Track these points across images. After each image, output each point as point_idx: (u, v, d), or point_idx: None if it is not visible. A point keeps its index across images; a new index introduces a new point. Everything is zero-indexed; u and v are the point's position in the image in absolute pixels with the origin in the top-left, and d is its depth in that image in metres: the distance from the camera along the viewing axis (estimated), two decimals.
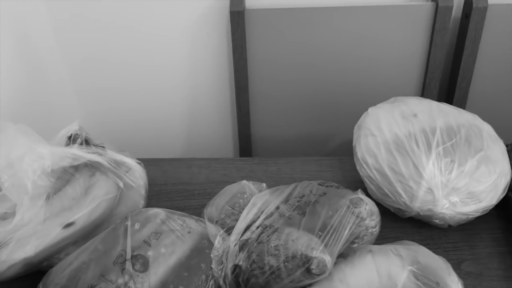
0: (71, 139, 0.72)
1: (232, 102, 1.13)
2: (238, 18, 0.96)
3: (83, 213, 0.69)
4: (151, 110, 1.16)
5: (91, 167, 0.73)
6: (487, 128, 0.74)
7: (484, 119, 0.77)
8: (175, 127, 1.19)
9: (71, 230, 0.68)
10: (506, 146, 0.75)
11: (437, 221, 0.70)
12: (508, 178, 0.71)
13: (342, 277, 0.57)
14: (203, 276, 0.63)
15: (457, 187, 0.67)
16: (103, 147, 0.74)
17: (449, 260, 0.67)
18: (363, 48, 1.01)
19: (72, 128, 0.73)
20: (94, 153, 0.72)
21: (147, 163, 0.86)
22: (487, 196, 0.68)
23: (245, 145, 1.12)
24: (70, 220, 0.68)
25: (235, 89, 1.06)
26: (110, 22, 1.04)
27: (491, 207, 0.71)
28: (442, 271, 0.55)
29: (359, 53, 1.02)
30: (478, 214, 0.70)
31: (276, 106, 1.09)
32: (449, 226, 0.72)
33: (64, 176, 0.71)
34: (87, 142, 0.73)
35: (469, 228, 0.74)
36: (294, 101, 1.08)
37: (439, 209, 0.67)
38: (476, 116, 0.76)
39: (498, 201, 0.71)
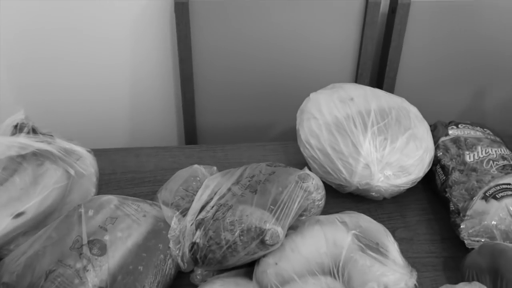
0: (18, 128, 0.71)
1: (176, 92, 1.14)
2: (182, 9, 0.98)
3: (33, 202, 0.68)
4: (95, 101, 1.14)
5: (40, 156, 0.72)
6: (414, 110, 0.83)
7: (410, 103, 0.86)
8: (120, 118, 1.18)
9: (21, 220, 0.67)
10: (430, 126, 0.85)
11: (373, 193, 0.77)
12: (432, 154, 0.80)
13: (294, 246, 0.62)
14: (162, 256, 0.65)
15: (390, 161, 0.75)
16: (51, 135, 0.74)
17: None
18: (302, 39, 1.08)
19: (18, 117, 0.71)
20: (42, 141, 0.71)
21: (95, 153, 0.85)
22: (415, 169, 0.77)
23: (191, 133, 1.15)
24: (20, 210, 0.67)
25: (180, 78, 1.07)
26: (52, 16, 1.01)
27: (419, 179, 0.80)
28: (380, 233, 0.62)
29: (298, 43, 1.08)
30: (408, 186, 0.78)
31: (220, 95, 1.13)
32: (384, 198, 0.80)
33: (11, 166, 0.69)
34: (34, 131, 0.72)
35: (401, 199, 0.82)
36: (238, 90, 1.12)
37: (375, 182, 0.75)
38: (404, 99, 0.85)
39: (424, 174, 0.80)
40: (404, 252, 0.73)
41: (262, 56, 1.08)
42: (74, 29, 1.05)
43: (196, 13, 1.01)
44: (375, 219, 0.77)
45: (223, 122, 1.15)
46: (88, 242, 0.63)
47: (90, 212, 0.68)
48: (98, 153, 0.88)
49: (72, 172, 0.72)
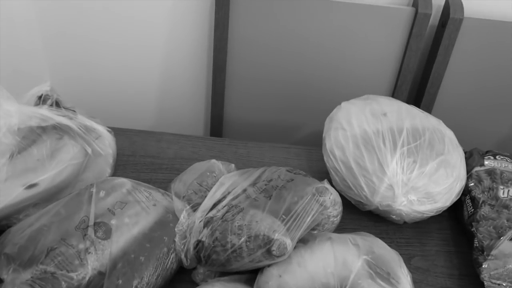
0: (41, 100, 0.71)
1: (208, 81, 1.12)
2: None
3: (47, 176, 0.67)
4: (125, 80, 1.14)
5: (60, 130, 0.71)
6: (449, 134, 0.78)
7: (447, 125, 0.81)
8: (147, 99, 1.17)
9: (33, 191, 0.67)
10: (465, 153, 0.80)
11: (394, 216, 0.74)
12: (463, 183, 0.75)
13: (301, 260, 0.59)
14: (165, 249, 0.64)
15: (416, 186, 0.71)
16: (74, 111, 0.73)
17: (401, 254, 0.70)
18: (343, 43, 1.03)
19: (43, 88, 0.71)
20: (64, 116, 0.71)
21: (116, 132, 0.84)
22: (443, 198, 0.72)
23: (216, 125, 1.13)
24: (33, 182, 0.66)
25: (212, 68, 1.05)
26: None
27: (445, 209, 0.75)
28: (394, 262, 0.58)
29: (339, 47, 1.04)
30: (432, 214, 0.74)
31: (251, 90, 1.10)
32: (404, 222, 0.76)
33: (30, 136, 0.69)
34: (57, 104, 0.72)
35: (422, 226, 0.78)
36: (269, 87, 1.09)
37: (397, 205, 0.71)
38: (441, 121, 0.80)
39: (452, 203, 0.75)
40: (417, 283, 0.69)
41: (299, 55, 1.04)
42: (111, 9, 1.04)
43: (237, 3, 0.98)
44: (392, 242, 0.75)
45: (250, 117, 1.12)
46: (94, 224, 0.62)
47: (102, 193, 0.67)
48: (119, 133, 0.88)
49: (89, 150, 0.71)
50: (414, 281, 0.63)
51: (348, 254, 0.58)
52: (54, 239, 0.59)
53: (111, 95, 1.16)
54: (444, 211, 0.77)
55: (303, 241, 0.62)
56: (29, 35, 1.06)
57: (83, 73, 1.12)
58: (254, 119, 1.13)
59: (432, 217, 0.76)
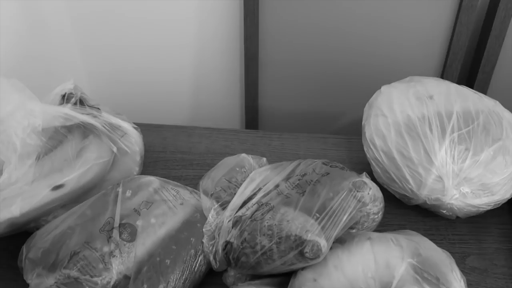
0: (65, 98, 0.69)
1: (241, 71, 1.08)
2: None
3: (73, 176, 0.66)
4: (156, 74, 1.12)
5: (85, 129, 0.70)
6: (508, 117, 0.69)
7: (505, 106, 0.71)
8: (180, 94, 1.15)
9: (59, 192, 0.65)
10: None
11: (444, 211, 0.66)
12: None
13: (338, 263, 0.54)
14: (192, 251, 0.60)
15: (469, 177, 0.63)
16: (98, 108, 0.71)
17: (454, 253, 0.64)
18: (384, 20, 0.95)
19: (66, 87, 0.69)
20: (88, 114, 0.69)
21: (147, 128, 0.83)
22: (501, 189, 0.64)
23: (251, 117, 1.08)
24: (59, 182, 0.65)
25: (244, 57, 1.01)
26: None
27: (504, 201, 0.67)
28: (444, 266, 0.51)
29: (379, 25, 0.96)
30: (489, 208, 0.66)
31: (286, 78, 1.04)
32: (457, 217, 0.68)
33: (56, 137, 0.68)
34: (81, 102, 0.70)
35: (478, 221, 0.70)
36: (305, 74, 1.03)
37: (447, 199, 0.63)
38: (498, 102, 0.71)
39: None
40: (473, 285, 0.62)
41: (335, 38, 0.97)
42: (141, 6, 1.02)
43: None
44: (443, 240, 0.68)
45: (286, 107, 1.07)
46: (120, 225, 0.60)
47: (128, 193, 0.65)
48: (150, 129, 0.87)
49: (114, 148, 0.69)
50: (470, 284, 0.56)
51: (391, 256, 0.52)
52: (78, 242, 0.58)
53: (142, 88, 1.14)
54: (504, 204, 0.69)
55: (340, 241, 0.56)
56: (63, 38, 1.07)
57: (113, 65, 1.11)
58: (290, 108, 1.07)
59: (489, 211, 0.68)
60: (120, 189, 0.64)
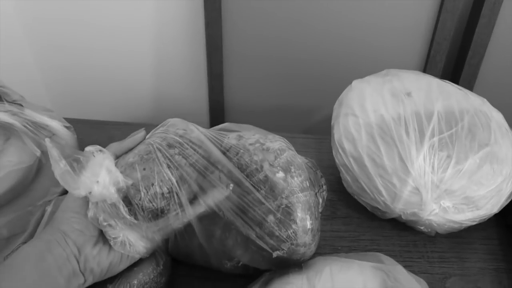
0: None
1: (204, 63, 0.97)
2: None
3: None
4: (110, 62, 1.00)
5: (4, 130, 0.59)
6: (497, 117, 0.59)
7: (494, 105, 0.62)
8: (138, 85, 1.04)
9: None
10: None
11: (422, 227, 0.57)
12: None
13: None
14: None
15: (451, 189, 0.53)
16: (20, 104, 0.60)
17: (433, 274, 0.57)
18: (359, 8, 0.86)
19: None
20: (5, 111, 0.58)
21: (91, 125, 0.74)
22: (488, 203, 0.55)
23: (216, 112, 0.98)
24: None
25: (206, 47, 0.90)
26: None
27: (491, 216, 0.58)
28: None
29: (354, 14, 0.87)
30: (473, 224, 0.57)
31: (253, 70, 0.95)
32: (437, 233, 0.59)
33: None
34: None
35: (461, 235, 0.62)
36: (274, 66, 0.93)
37: (426, 214, 0.54)
38: (486, 101, 0.61)
39: (500, 209, 0.57)
40: None
41: (307, 26, 0.88)
42: None
43: None
44: (421, 258, 0.60)
45: (252, 102, 0.98)
46: None
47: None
48: (95, 126, 0.78)
49: (37, 152, 0.59)
50: None
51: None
52: None
53: (102, 83, 1.03)
54: (491, 216, 0.59)
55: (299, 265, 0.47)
56: (11, 29, 0.96)
57: (70, 61, 1.01)
58: (257, 104, 0.98)
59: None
60: (49, 208, 0.55)
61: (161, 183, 0.44)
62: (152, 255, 0.50)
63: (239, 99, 0.98)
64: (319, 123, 0.99)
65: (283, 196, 0.45)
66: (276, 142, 0.49)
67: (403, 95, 0.58)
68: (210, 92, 0.96)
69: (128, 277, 0.48)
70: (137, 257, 0.48)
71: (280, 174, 0.46)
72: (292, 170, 0.47)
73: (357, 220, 0.64)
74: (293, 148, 0.51)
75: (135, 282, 0.48)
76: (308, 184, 0.47)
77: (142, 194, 0.44)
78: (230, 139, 0.49)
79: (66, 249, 0.42)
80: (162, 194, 0.44)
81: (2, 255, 0.53)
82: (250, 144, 0.48)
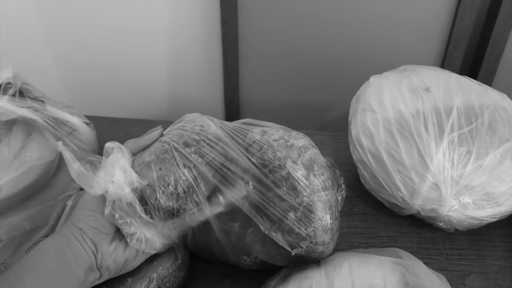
0: (1, 89, 0.59)
1: (220, 60, 0.98)
2: None
3: (8, 179, 0.57)
4: (127, 61, 1.02)
5: (27, 126, 0.60)
6: None
7: None
8: (154, 84, 1.05)
9: None
10: None
11: (441, 224, 0.57)
12: None
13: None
14: None
15: (471, 185, 0.53)
16: (42, 101, 0.61)
17: (451, 271, 0.57)
18: (377, 3, 0.85)
19: (3, 76, 0.60)
20: (28, 108, 0.59)
21: (109, 122, 0.75)
22: (508, 200, 0.54)
23: (232, 109, 0.99)
24: None
25: (222, 44, 0.91)
26: None
27: (511, 213, 0.57)
28: None
29: (371, 9, 0.86)
30: (493, 220, 0.56)
31: (269, 67, 0.95)
32: (456, 230, 0.59)
33: None
34: (21, 94, 0.60)
35: (480, 232, 0.61)
36: (290, 62, 0.93)
37: (445, 210, 0.54)
38: (506, 96, 0.61)
39: None
40: None
41: (324, 22, 0.88)
42: None
43: None
44: (439, 255, 0.59)
45: (268, 99, 0.98)
46: None
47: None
48: (113, 123, 0.79)
49: (58, 147, 0.59)
50: None
51: (372, 284, 0.42)
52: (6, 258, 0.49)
53: (116, 83, 1.05)
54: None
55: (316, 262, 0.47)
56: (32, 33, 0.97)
57: (88, 62, 1.02)
58: (273, 101, 0.98)
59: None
60: (70, 203, 0.55)
61: (177, 183, 0.44)
62: (171, 250, 0.51)
63: (255, 96, 0.98)
64: (335, 120, 0.99)
65: (305, 194, 0.45)
66: (300, 140, 0.49)
67: (421, 90, 0.58)
68: (226, 90, 0.96)
69: (148, 271, 0.49)
70: (153, 252, 0.48)
71: (303, 172, 0.46)
72: (315, 169, 0.46)
73: (374, 217, 0.64)
74: (316, 147, 0.51)
75: (154, 275, 0.49)
76: (330, 183, 0.47)
77: (158, 194, 0.44)
78: (254, 134, 0.49)
79: (84, 245, 0.43)
80: (178, 194, 0.44)
81: (24, 247, 0.54)
82: (274, 140, 0.48)
